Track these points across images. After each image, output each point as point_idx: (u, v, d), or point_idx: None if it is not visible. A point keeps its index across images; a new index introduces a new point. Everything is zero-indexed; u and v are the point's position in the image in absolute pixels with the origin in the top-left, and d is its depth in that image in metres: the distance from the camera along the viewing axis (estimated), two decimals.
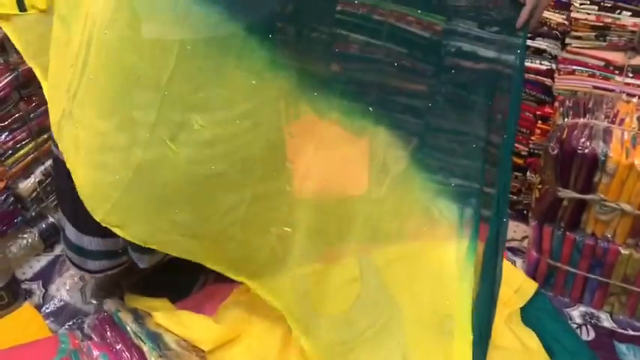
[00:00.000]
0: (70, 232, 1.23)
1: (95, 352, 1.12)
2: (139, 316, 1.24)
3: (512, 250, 1.61)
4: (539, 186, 1.38)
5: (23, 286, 1.47)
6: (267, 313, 1.28)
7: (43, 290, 1.48)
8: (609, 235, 1.33)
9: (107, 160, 1.04)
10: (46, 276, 1.51)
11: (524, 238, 1.63)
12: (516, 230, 1.67)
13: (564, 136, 1.28)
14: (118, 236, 1.10)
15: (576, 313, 1.44)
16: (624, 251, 1.32)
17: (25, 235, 1.53)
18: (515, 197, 1.70)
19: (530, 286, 1.38)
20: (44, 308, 1.43)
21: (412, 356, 1.11)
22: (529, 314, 1.33)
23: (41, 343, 1.17)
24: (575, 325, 1.40)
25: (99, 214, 1.06)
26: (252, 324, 1.33)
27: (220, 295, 1.36)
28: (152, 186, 1.05)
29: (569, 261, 1.40)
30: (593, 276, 1.39)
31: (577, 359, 1.25)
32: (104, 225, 1.06)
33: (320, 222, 1.25)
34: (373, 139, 1.24)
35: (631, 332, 1.39)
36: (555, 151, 1.28)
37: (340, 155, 1.26)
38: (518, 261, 1.57)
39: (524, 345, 1.20)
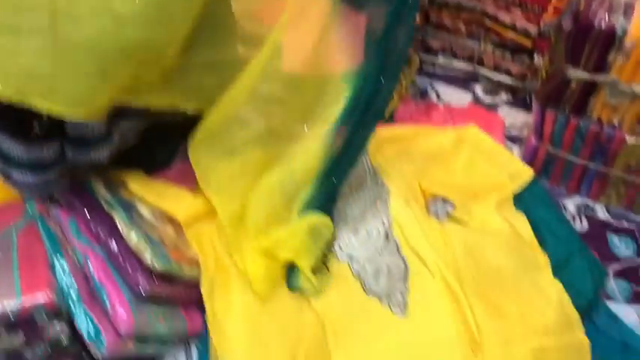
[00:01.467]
0: None
1: (63, 218, 1.06)
2: (111, 185, 1.17)
3: (511, 138, 1.53)
4: (547, 68, 1.27)
5: None
6: None
7: None
8: (616, 122, 1.24)
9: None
10: None
11: (524, 125, 1.54)
12: (516, 117, 1.58)
13: (581, 8, 1.16)
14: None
15: (571, 204, 1.39)
16: (630, 139, 1.24)
17: None
18: (519, 84, 1.59)
19: (526, 173, 1.30)
20: None
21: None
22: (522, 201, 1.27)
23: (6, 206, 1.11)
24: (569, 217, 1.35)
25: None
26: None
27: None
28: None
29: (570, 148, 1.32)
30: (593, 165, 1.32)
31: (567, 247, 1.20)
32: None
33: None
34: None
35: (625, 224, 1.34)
36: (568, 26, 1.16)
37: None
38: (516, 148, 1.49)
39: (515, 231, 1.15)
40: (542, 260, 1.11)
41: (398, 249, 1.10)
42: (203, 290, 1.13)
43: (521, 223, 1.17)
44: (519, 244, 1.12)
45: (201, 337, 1.15)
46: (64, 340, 1.00)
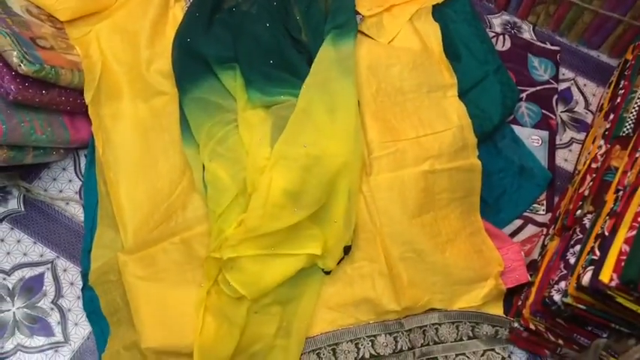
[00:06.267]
0: None
1: None
2: None
3: None
4: None
5: None
6: None
7: None
8: None
9: None
10: None
11: None
12: None
13: None
14: None
15: (498, 22, 1.30)
16: None
17: None
18: None
19: None
20: None
21: None
22: (443, 14, 1.17)
23: None
24: (493, 34, 1.27)
25: None
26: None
27: None
28: None
29: None
30: None
31: (483, 67, 1.14)
32: None
33: None
34: None
35: (549, 46, 1.27)
36: None
37: None
38: None
39: (424, 46, 1.06)
40: (449, 80, 1.05)
41: None
42: (87, 96, 1.05)
43: (434, 38, 1.08)
44: (427, 62, 1.04)
45: (89, 147, 1.10)
46: None
